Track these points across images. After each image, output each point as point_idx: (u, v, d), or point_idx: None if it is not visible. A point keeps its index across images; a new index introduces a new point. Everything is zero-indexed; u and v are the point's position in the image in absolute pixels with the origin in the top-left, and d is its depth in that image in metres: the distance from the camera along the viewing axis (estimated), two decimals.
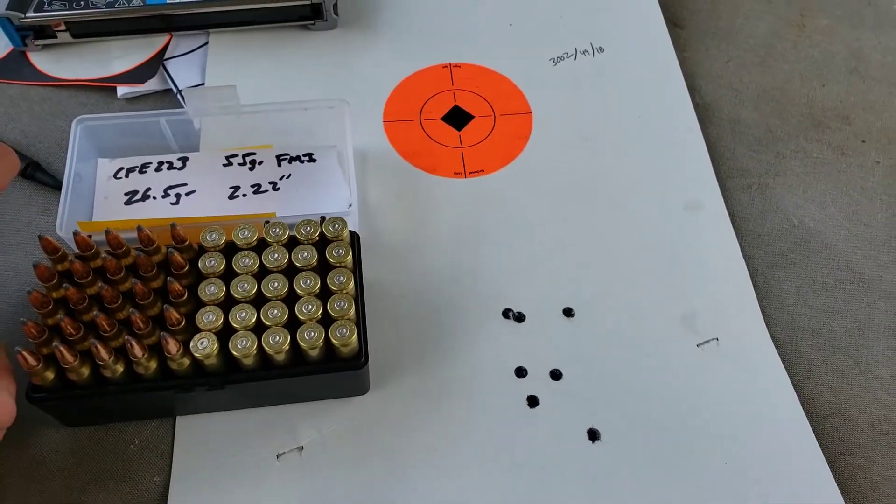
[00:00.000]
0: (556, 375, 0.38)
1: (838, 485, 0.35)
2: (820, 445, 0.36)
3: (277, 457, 0.35)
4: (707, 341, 0.39)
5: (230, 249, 0.35)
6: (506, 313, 0.40)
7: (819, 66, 0.52)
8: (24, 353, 0.29)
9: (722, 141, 0.48)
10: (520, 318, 0.40)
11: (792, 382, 0.38)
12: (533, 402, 0.37)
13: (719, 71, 0.51)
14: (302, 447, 0.35)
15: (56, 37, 0.47)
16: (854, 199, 0.45)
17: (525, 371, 0.38)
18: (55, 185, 0.42)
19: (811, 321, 0.41)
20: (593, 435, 0.36)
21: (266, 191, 0.41)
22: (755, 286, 0.41)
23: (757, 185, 0.46)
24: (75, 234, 0.33)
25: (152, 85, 0.47)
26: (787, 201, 0.45)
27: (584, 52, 0.51)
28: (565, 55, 0.50)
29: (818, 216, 0.45)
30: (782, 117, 0.49)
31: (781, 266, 0.43)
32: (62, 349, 0.30)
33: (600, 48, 0.51)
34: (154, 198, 0.40)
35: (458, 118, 0.47)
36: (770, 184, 0.46)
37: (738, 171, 0.46)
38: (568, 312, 0.40)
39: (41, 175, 0.42)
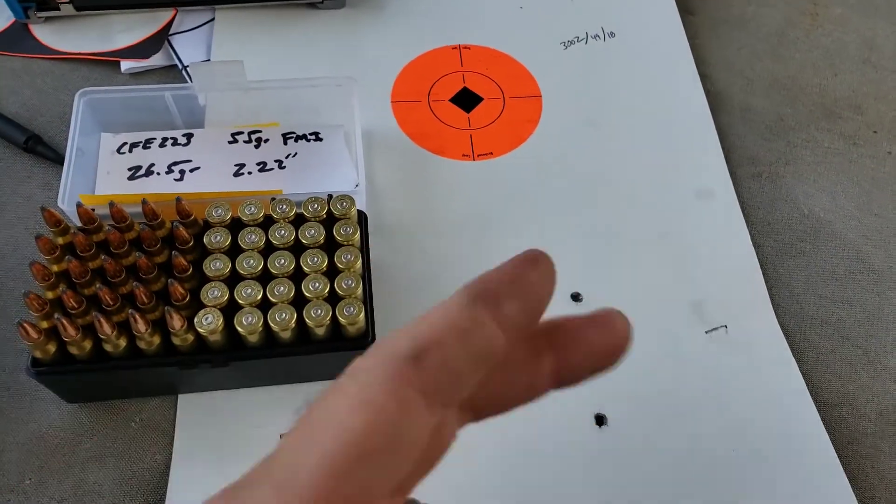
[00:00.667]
0: None
1: (846, 474, 0.35)
2: (828, 434, 0.36)
3: (281, 437, 0.34)
4: (716, 328, 0.39)
5: (236, 226, 0.34)
6: None
7: (831, 55, 0.51)
8: (26, 325, 0.29)
9: (733, 129, 0.47)
10: None
11: (800, 371, 0.38)
12: None
13: (731, 59, 0.51)
14: None
15: (59, 9, 0.47)
16: (865, 189, 0.45)
17: None
18: (57, 159, 0.41)
19: (820, 310, 0.40)
20: (600, 420, 0.36)
21: (272, 169, 0.41)
22: (765, 275, 0.41)
23: (767, 173, 0.45)
24: (78, 205, 0.32)
25: (157, 60, 0.46)
26: (798, 190, 0.45)
27: (596, 36, 0.50)
28: (576, 39, 0.50)
29: (829, 206, 0.44)
30: (794, 106, 0.49)
31: (791, 255, 0.42)
32: (64, 322, 0.29)
33: (612, 33, 0.50)
34: (158, 174, 0.40)
35: (466, 100, 0.46)
36: (781, 172, 0.46)
37: (748, 159, 0.46)
38: (576, 297, 0.40)
39: (42, 148, 0.42)
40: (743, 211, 0.43)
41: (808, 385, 0.37)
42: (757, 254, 0.42)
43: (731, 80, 0.50)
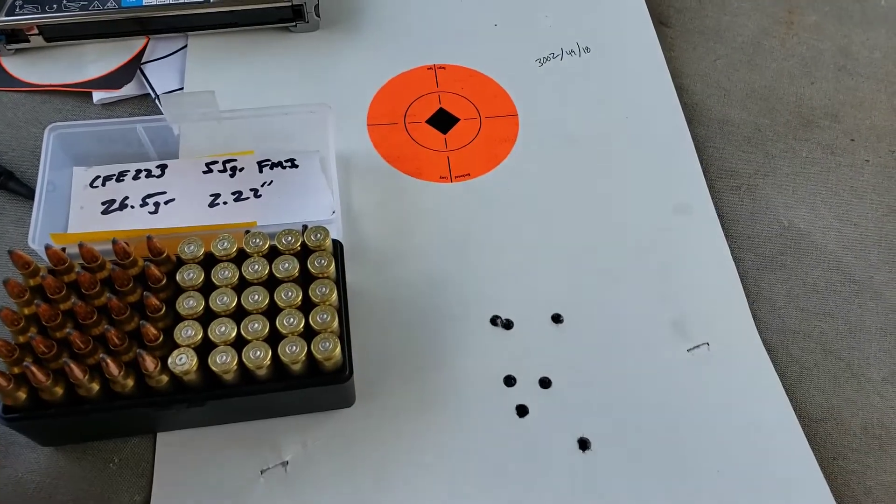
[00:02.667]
0: (545, 383, 0.37)
1: (832, 490, 0.35)
2: (813, 450, 0.36)
3: (261, 472, 0.34)
4: (697, 346, 0.39)
5: (209, 261, 0.34)
6: (494, 320, 0.39)
7: (807, 63, 0.51)
8: None
9: (710, 141, 0.47)
10: (508, 325, 0.39)
11: (784, 386, 0.38)
12: (522, 411, 0.36)
13: (707, 70, 0.51)
14: (286, 462, 0.34)
15: (29, 41, 0.46)
16: (844, 199, 0.45)
17: (514, 380, 0.37)
18: (29, 194, 0.41)
19: (802, 324, 0.40)
20: (583, 444, 0.35)
21: (247, 198, 0.40)
22: (745, 289, 0.41)
23: (746, 185, 0.45)
24: (47, 247, 0.32)
25: (129, 90, 0.46)
26: (777, 202, 0.45)
27: (571, 52, 0.50)
28: (551, 55, 0.50)
29: (808, 217, 0.44)
30: (771, 116, 0.49)
31: (772, 268, 0.42)
32: (33, 369, 0.29)
33: (587, 48, 0.50)
34: (132, 207, 0.39)
35: (443, 121, 0.46)
36: (759, 184, 0.45)
37: (727, 171, 0.46)
38: (556, 318, 0.39)
39: (14, 185, 0.41)
40: (722, 225, 0.43)
41: (791, 400, 0.37)
42: (737, 268, 0.41)
43: (707, 91, 0.50)
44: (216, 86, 0.40)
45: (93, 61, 0.47)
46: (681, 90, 0.49)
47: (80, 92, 0.46)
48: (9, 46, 0.46)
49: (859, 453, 0.36)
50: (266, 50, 0.48)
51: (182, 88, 0.46)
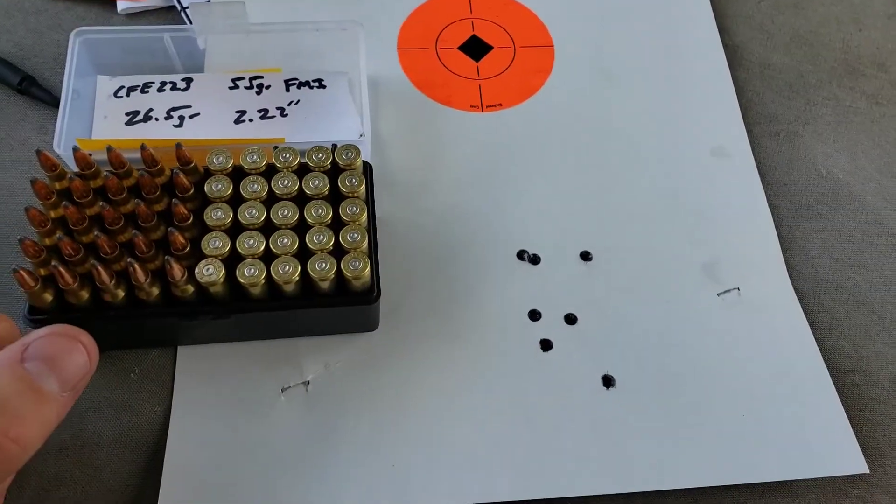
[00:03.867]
0: (570, 319, 0.37)
1: (857, 441, 0.34)
2: (840, 401, 0.35)
3: (282, 391, 0.34)
4: (728, 291, 0.38)
5: (237, 174, 0.33)
6: (520, 255, 0.38)
7: (856, 9, 0.49)
8: (22, 271, 0.28)
9: (750, 85, 0.46)
10: (535, 260, 0.38)
11: (814, 336, 0.37)
12: (546, 345, 0.36)
13: (751, 11, 0.49)
14: (308, 382, 0.34)
15: None
16: (886, 151, 0.44)
17: (539, 314, 0.37)
18: (52, 101, 0.40)
19: (836, 274, 0.39)
20: (608, 381, 0.35)
21: (273, 116, 0.39)
22: (779, 237, 0.40)
23: (785, 132, 0.44)
24: (74, 150, 0.31)
25: (154, 0, 0.44)
26: (817, 151, 0.43)
27: None
28: None
29: (848, 167, 0.43)
30: (815, 63, 0.47)
31: (807, 217, 0.41)
32: (61, 269, 0.28)
33: None
34: (156, 119, 0.38)
35: (476, 48, 0.45)
36: (799, 132, 0.44)
37: (766, 117, 0.44)
38: (585, 256, 0.39)
39: (37, 90, 0.40)
40: (759, 171, 0.42)
41: (821, 350, 0.37)
42: (772, 215, 0.41)
43: (750, 34, 0.48)
44: (244, 0, 0.38)
45: None
46: (723, 31, 0.47)
47: (104, 0, 0.45)
48: None
49: (886, 406, 0.36)
50: None
51: (209, 1, 0.44)
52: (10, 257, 0.36)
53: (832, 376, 0.36)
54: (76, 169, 0.32)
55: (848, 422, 0.34)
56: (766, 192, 0.41)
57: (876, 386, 0.36)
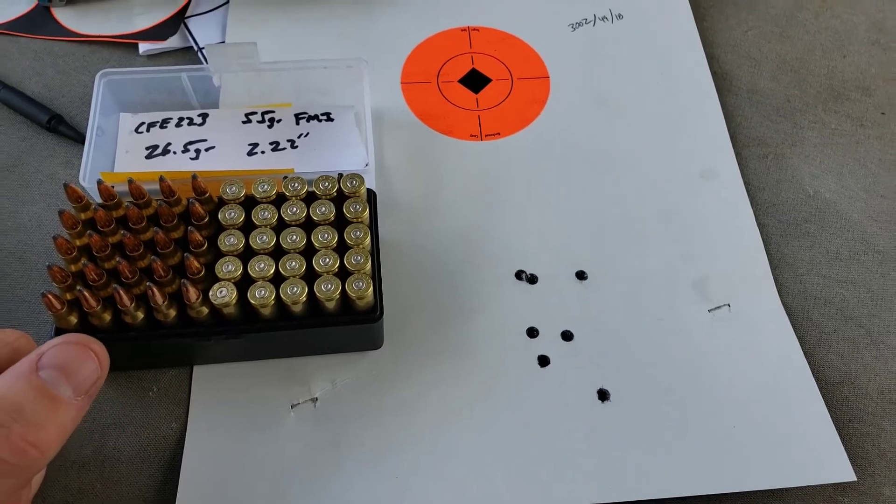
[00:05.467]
0: (567, 336, 0.38)
1: (846, 452, 0.35)
2: (829, 412, 0.36)
3: (292, 407, 0.36)
4: (718, 307, 0.39)
5: (249, 203, 0.35)
6: (518, 275, 0.40)
7: (840, 37, 0.51)
8: (50, 295, 0.30)
9: (739, 110, 0.48)
10: (532, 279, 0.40)
11: (803, 350, 0.38)
12: (544, 361, 0.38)
13: (738, 40, 0.51)
14: (316, 398, 0.36)
15: None
16: (872, 171, 0.45)
17: (536, 331, 0.38)
18: (78, 138, 0.43)
19: (824, 290, 0.41)
20: (603, 395, 0.37)
21: (284, 148, 0.42)
22: (768, 255, 0.41)
23: (773, 154, 0.46)
24: (99, 182, 0.33)
25: (173, 42, 0.48)
26: (804, 171, 0.45)
27: (603, 18, 0.50)
28: (584, 21, 0.50)
29: (834, 187, 0.45)
30: (801, 87, 0.49)
31: (795, 235, 0.43)
32: (86, 294, 0.30)
33: (619, 15, 0.51)
34: (174, 152, 0.41)
35: (475, 81, 0.47)
36: (786, 154, 0.46)
37: (754, 140, 0.46)
38: (580, 275, 0.40)
39: (64, 128, 0.43)
40: (748, 191, 0.44)
41: (809, 364, 0.38)
42: (761, 233, 0.42)
43: (738, 61, 0.50)
44: (256, 41, 0.41)
45: (139, 14, 0.48)
46: (711, 59, 0.49)
47: (127, 43, 0.48)
48: None
49: (875, 416, 0.37)
50: (305, 8, 0.50)
51: (223, 42, 0.47)
52: (38, 283, 0.39)
53: (821, 389, 0.37)
54: (100, 200, 0.34)
55: (835, 431, 0.36)
56: (754, 211, 0.43)
57: (864, 397, 0.37)
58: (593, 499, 0.34)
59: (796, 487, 0.34)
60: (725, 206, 0.43)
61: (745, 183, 0.44)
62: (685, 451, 0.35)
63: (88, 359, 0.26)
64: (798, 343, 0.38)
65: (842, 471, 0.34)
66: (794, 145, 0.46)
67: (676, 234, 0.42)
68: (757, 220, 0.43)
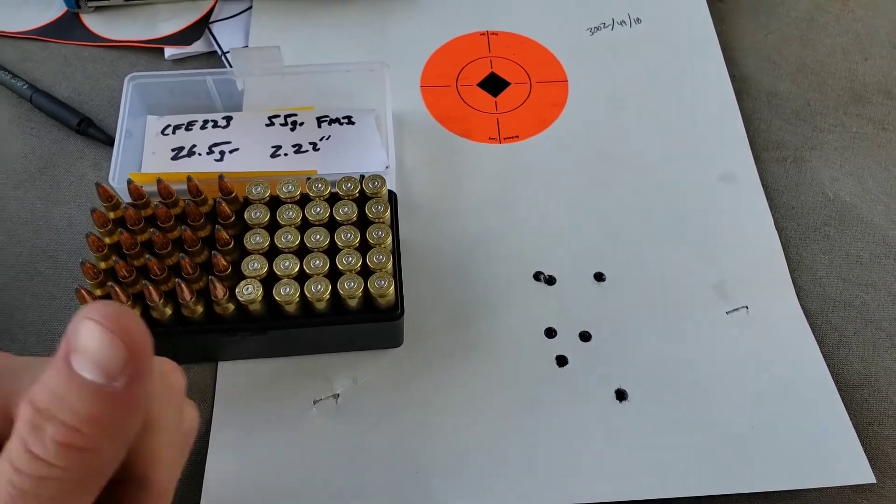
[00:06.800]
0: (585, 337, 0.39)
1: (866, 454, 0.35)
2: (848, 415, 0.36)
3: (314, 403, 0.36)
4: (737, 309, 0.39)
5: (274, 203, 0.36)
6: (537, 276, 0.41)
7: (861, 40, 0.51)
8: (83, 290, 0.31)
9: (758, 114, 0.48)
10: (550, 280, 0.41)
11: (822, 353, 0.38)
12: (562, 361, 0.38)
13: (758, 44, 0.51)
14: (338, 395, 0.36)
15: None
16: (893, 174, 0.45)
17: (555, 332, 0.39)
18: (107, 140, 0.44)
19: (843, 293, 0.41)
20: (621, 395, 0.37)
21: (306, 151, 0.43)
22: (788, 258, 0.42)
23: (792, 157, 0.46)
24: (128, 182, 0.34)
25: (198, 47, 0.49)
26: (824, 175, 0.45)
27: (622, 22, 0.51)
28: (602, 25, 0.51)
29: (855, 190, 0.44)
30: (821, 91, 0.49)
31: (815, 239, 0.43)
32: (117, 289, 0.31)
33: (638, 19, 0.51)
34: (199, 154, 0.42)
35: (494, 85, 0.48)
36: (806, 157, 0.46)
37: (773, 143, 0.46)
38: (599, 277, 0.41)
39: (93, 130, 0.44)
40: (767, 195, 0.44)
41: (829, 367, 0.38)
42: (780, 237, 0.42)
43: (757, 65, 0.50)
44: (278, 45, 0.42)
45: (165, 20, 0.49)
46: (730, 63, 0.50)
47: (153, 48, 0.49)
48: (89, 3, 0.49)
49: (895, 419, 0.37)
50: (327, 13, 0.51)
51: (247, 46, 0.48)
52: (69, 280, 0.40)
53: (841, 392, 0.37)
54: (129, 200, 0.35)
55: (855, 433, 0.36)
56: (773, 214, 0.43)
57: (884, 401, 0.37)
58: (610, 497, 0.34)
59: (815, 489, 0.34)
60: (744, 209, 0.43)
61: (764, 186, 0.44)
62: (702, 451, 0.35)
63: (110, 335, 0.20)
64: (816, 345, 0.38)
65: (861, 472, 0.34)
66: (813, 149, 0.46)
67: (695, 236, 0.42)
68: (776, 223, 0.43)
